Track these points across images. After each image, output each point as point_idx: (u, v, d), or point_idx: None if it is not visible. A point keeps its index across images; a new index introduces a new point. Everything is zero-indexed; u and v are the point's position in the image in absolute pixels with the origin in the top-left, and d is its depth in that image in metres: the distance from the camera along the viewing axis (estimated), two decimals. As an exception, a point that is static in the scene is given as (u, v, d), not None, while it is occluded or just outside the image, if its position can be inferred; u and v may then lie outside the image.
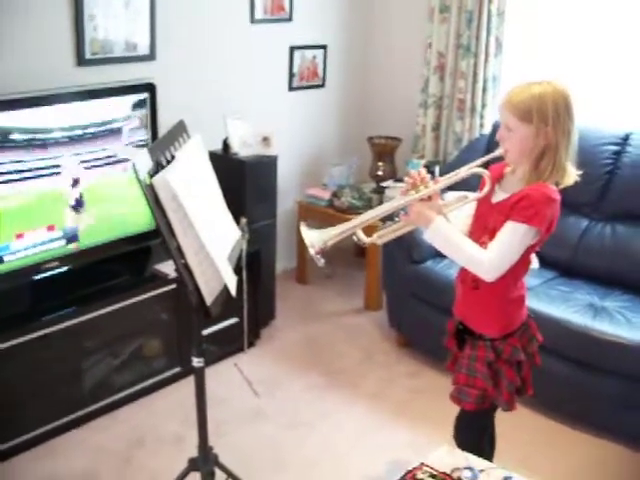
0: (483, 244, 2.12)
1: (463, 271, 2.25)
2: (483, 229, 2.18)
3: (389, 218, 2.25)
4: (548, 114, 2.03)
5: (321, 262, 2.09)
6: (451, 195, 2.30)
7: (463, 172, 2.16)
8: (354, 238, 2.19)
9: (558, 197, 2.10)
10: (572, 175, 2.12)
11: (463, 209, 2.27)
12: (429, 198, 2.14)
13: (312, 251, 2.08)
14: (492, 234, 2.11)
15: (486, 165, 2.18)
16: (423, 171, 2.17)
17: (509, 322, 2.24)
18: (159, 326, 3.37)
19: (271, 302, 4.07)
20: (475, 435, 2.43)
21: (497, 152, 2.15)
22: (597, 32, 3.91)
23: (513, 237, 2.07)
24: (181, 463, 2.44)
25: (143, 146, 3.24)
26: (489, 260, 2.08)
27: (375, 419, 3.28)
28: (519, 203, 2.06)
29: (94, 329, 3.08)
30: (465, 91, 4.29)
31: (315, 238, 2.09)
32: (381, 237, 2.24)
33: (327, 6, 4.56)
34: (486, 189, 2.17)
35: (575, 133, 2.09)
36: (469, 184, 2.25)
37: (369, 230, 2.21)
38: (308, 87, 4.59)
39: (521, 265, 2.15)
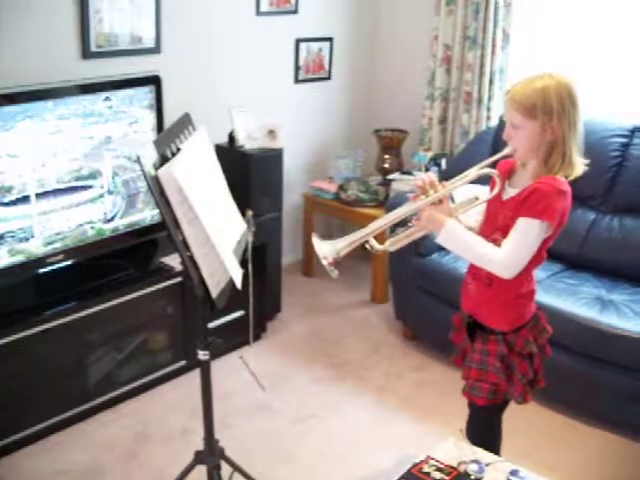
0: (495, 241, 2.11)
1: (475, 268, 2.23)
2: (494, 226, 2.17)
3: (401, 224, 2.24)
4: (553, 108, 2.01)
5: (335, 273, 2.09)
6: (462, 192, 2.28)
7: (473, 173, 2.14)
8: (367, 246, 2.18)
9: (568, 189, 2.08)
10: (580, 166, 2.10)
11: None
12: (439, 202, 2.13)
13: (325, 262, 2.08)
14: (504, 231, 2.10)
15: (495, 164, 2.16)
16: (432, 175, 2.17)
17: (521, 316, 2.23)
18: (165, 319, 3.37)
19: (277, 295, 4.07)
20: (487, 432, 2.42)
21: (506, 150, 2.13)
22: (605, 24, 3.88)
23: (526, 234, 2.05)
24: (187, 456, 2.45)
25: (148, 137, 3.23)
26: (505, 259, 2.07)
27: (381, 412, 3.27)
28: (529, 198, 2.04)
29: (99, 323, 3.08)
30: (472, 83, 4.27)
31: (328, 249, 2.09)
32: (394, 244, 2.24)
33: (333, -2, 4.55)
34: (496, 190, 2.16)
35: (581, 123, 2.07)
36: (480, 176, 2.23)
37: (379, 237, 2.21)
38: (314, 80, 4.58)
39: (534, 259, 2.13)
